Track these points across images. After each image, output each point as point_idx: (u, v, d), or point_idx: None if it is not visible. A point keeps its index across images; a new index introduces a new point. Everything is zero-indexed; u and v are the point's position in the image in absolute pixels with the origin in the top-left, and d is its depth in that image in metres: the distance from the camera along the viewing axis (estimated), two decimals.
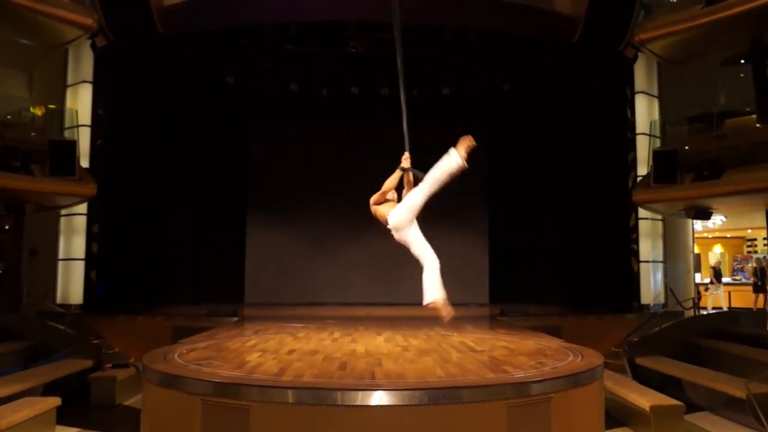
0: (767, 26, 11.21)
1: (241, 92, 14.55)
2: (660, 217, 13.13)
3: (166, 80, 13.92)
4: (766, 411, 6.66)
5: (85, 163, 12.10)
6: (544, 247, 15.33)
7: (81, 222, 12.45)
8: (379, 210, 6.17)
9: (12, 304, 11.68)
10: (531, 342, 7.26)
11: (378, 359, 5.86)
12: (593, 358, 5.72)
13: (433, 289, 5.84)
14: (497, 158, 15.91)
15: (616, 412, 7.54)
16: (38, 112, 12.91)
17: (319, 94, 14.46)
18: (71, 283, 12.31)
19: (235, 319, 11.18)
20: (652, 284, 12.86)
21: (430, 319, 10.52)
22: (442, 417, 4.30)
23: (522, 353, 6.24)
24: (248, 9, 11.89)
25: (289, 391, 4.39)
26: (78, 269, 12.34)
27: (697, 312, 12.35)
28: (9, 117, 12.11)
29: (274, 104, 15.01)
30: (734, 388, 7.16)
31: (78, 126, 12.33)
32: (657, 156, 12.05)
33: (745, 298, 15.35)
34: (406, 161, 6.12)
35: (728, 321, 10.89)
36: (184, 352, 6.18)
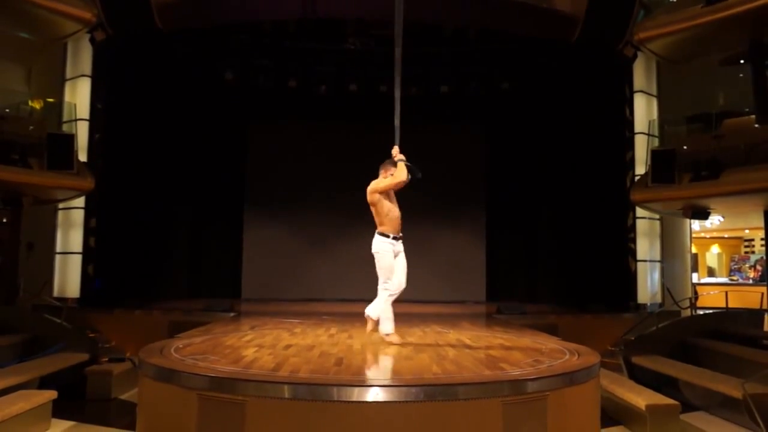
0: (767, 26, 11.22)
1: (239, 88, 14.53)
2: (658, 216, 13.14)
3: (164, 75, 13.90)
4: (762, 411, 6.66)
5: (83, 157, 12.08)
6: (541, 246, 15.33)
7: (78, 216, 12.43)
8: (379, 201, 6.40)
9: (9, 297, 11.69)
10: (527, 340, 7.27)
11: (374, 355, 5.86)
12: (589, 356, 5.72)
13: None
14: (495, 156, 15.93)
15: (612, 410, 7.56)
16: (37, 105, 12.90)
17: (317, 91, 14.44)
18: (68, 277, 12.30)
19: (232, 314, 11.18)
20: (649, 283, 12.87)
21: (426, 316, 10.54)
22: (437, 414, 4.30)
23: (518, 351, 6.24)
24: (246, 5, 11.90)
25: (285, 387, 4.38)
26: (75, 263, 12.32)
27: (693, 312, 12.36)
28: (7, 110, 12.10)
29: (272, 100, 14.98)
30: (730, 388, 7.17)
31: (76, 120, 12.31)
32: (655, 155, 12.04)
33: (744, 298, 15.31)
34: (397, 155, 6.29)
35: (725, 321, 10.90)
36: (181, 346, 6.17)
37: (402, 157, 6.33)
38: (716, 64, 13.24)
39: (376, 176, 6.56)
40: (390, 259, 6.46)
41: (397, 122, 6.51)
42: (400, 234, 6.53)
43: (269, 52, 13.91)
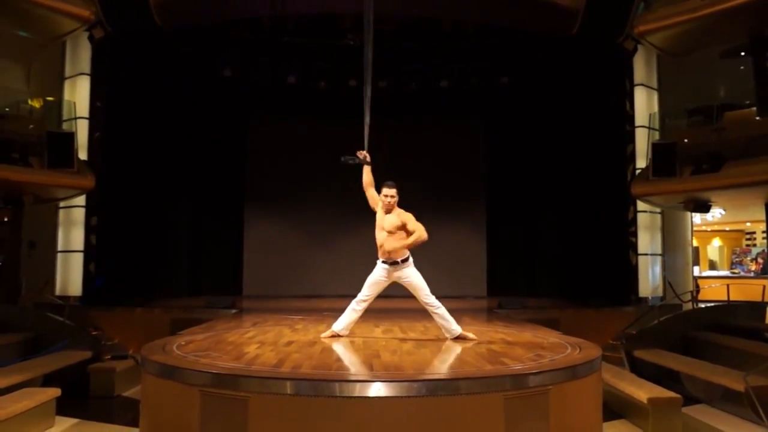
0: (767, 18, 11.19)
1: (238, 85, 14.52)
2: (659, 210, 13.14)
3: (163, 72, 13.89)
4: (763, 404, 6.67)
5: (83, 155, 12.10)
6: (542, 240, 15.32)
7: (79, 214, 12.45)
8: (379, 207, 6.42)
9: (11, 296, 11.71)
10: (529, 334, 7.27)
11: (376, 351, 5.86)
12: (591, 350, 5.72)
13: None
14: (495, 151, 15.92)
15: (614, 404, 7.56)
16: (36, 104, 12.89)
17: (316, 86, 14.43)
18: (70, 275, 12.34)
19: (233, 311, 11.19)
20: (650, 277, 12.88)
21: (427, 311, 10.52)
22: (439, 409, 4.30)
23: (520, 346, 6.25)
24: (245, 2, 11.90)
25: (288, 383, 4.38)
26: (77, 261, 12.35)
27: (695, 305, 12.37)
28: (7, 109, 12.09)
29: (271, 97, 14.97)
30: (732, 380, 7.17)
31: (76, 118, 12.33)
32: (656, 149, 12.04)
33: (746, 291, 15.32)
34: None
35: (726, 314, 10.89)
36: (183, 343, 6.18)
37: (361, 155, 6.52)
38: (717, 57, 13.21)
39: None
40: (371, 276, 6.68)
41: (366, 120, 6.62)
42: (392, 259, 6.50)
43: (268, 48, 13.89)
